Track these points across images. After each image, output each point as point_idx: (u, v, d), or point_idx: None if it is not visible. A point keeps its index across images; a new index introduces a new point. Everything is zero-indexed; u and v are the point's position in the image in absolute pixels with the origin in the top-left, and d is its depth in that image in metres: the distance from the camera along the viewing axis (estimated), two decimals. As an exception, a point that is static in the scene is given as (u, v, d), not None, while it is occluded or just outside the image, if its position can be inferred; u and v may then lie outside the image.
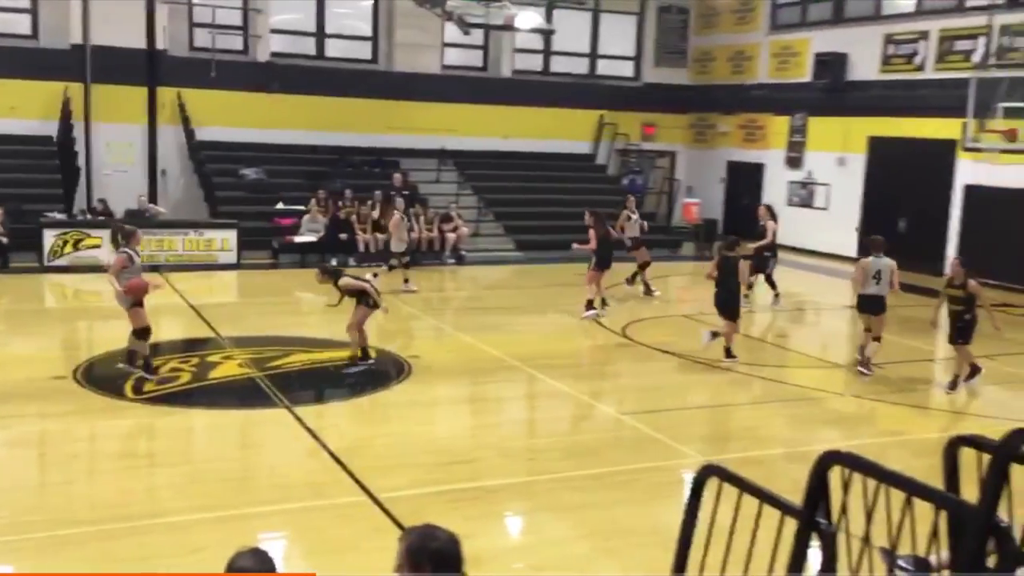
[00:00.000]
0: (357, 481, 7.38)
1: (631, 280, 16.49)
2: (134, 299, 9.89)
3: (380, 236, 18.91)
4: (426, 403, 10.10)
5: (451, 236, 19.42)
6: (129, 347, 10.08)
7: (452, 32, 21.32)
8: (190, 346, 11.95)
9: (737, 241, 12.50)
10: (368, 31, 22.98)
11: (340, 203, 19.32)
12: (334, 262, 18.33)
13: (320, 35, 22.53)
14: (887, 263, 11.27)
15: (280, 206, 19.62)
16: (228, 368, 10.75)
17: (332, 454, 8.00)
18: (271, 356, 11.13)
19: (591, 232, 14.32)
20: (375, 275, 15.09)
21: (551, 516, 7.10)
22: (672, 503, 6.94)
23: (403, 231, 16.11)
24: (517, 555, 6.55)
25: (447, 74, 23.05)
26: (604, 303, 14.42)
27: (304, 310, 15.32)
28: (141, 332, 9.99)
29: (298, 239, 18.52)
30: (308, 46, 22.49)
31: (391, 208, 16.64)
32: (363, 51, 22.88)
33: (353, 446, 8.37)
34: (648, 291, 16.18)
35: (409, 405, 9.77)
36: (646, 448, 8.63)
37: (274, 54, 21.66)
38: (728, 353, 11.55)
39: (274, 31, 21.81)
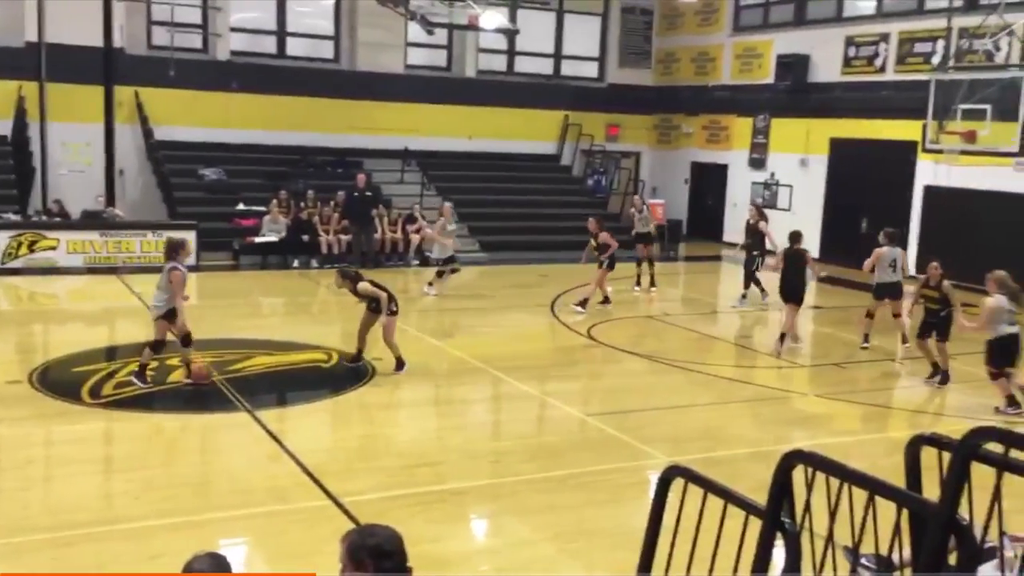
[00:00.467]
0: (320, 485, 7.30)
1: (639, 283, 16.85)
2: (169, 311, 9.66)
3: (343, 237, 18.78)
4: (390, 406, 10.03)
5: (415, 238, 19.32)
6: (184, 358, 9.94)
7: (415, 31, 21.23)
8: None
9: (800, 234, 13.31)
10: (330, 30, 22.82)
11: (302, 204, 19.16)
12: (296, 264, 18.28)
13: (281, 33, 22.33)
14: (899, 252, 12.65)
15: (240, 207, 19.42)
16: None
17: (294, 458, 7.90)
18: (232, 359, 10.98)
19: (605, 236, 14.72)
20: (430, 284, 15.20)
21: (516, 518, 7.06)
22: (637, 504, 6.92)
23: (447, 236, 16.09)
24: (482, 557, 6.51)
25: (410, 74, 22.96)
26: (607, 299, 14.84)
27: (265, 312, 15.17)
28: (157, 344, 9.81)
29: (259, 239, 18.34)
30: (269, 45, 22.30)
31: (440, 212, 16.43)
32: (325, 50, 22.72)
33: (316, 449, 8.27)
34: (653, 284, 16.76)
35: (373, 408, 9.69)
36: (611, 449, 8.62)
37: (234, 52, 21.43)
38: (784, 339, 12.50)
39: (234, 29, 21.59)
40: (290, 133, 21.18)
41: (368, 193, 18.99)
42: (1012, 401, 9.88)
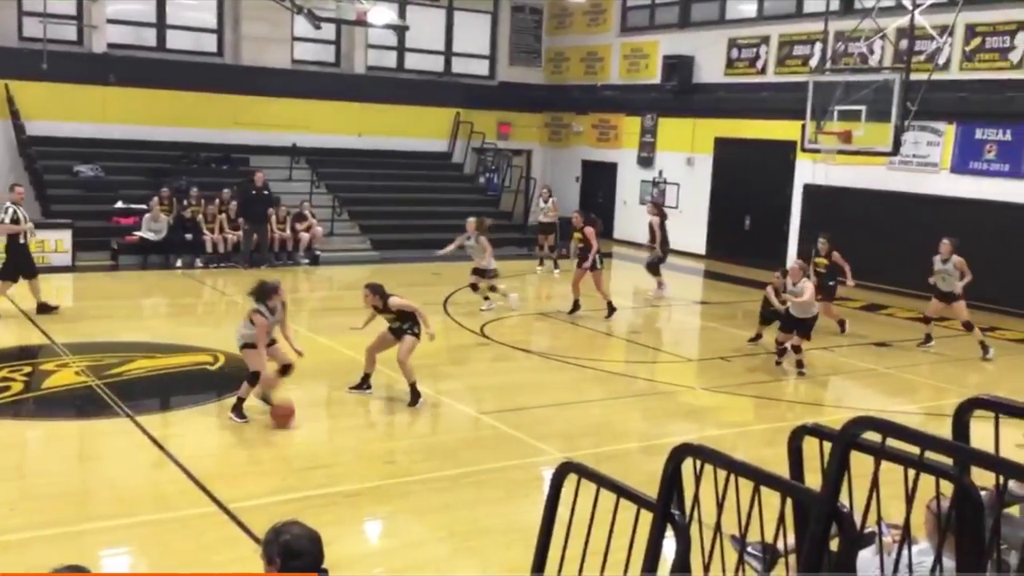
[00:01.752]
0: (206, 491, 7.10)
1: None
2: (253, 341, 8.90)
3: (230, 236, 18.31)
4: (279, 407, 9.79)
5: (305, 236, 18.97)
6: (261, 394, 9.03)
7: (302, 26, 20.85)
8: (22, 354, 11.23)
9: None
10: (213, 23, 22.17)
11: (185, 201, 18.59)
12: (180, 263, 17.72)
13: (161, 26, 21.58)
14: (954, 261, 12.71)
15: (119, 205, 18.71)
16: (64, 376, 10.14)
17: (179, 464, 7.66)
18: (111, 363, 10.56)
19: (588, 231, 14.47)
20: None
21: (411, 518, 7.00)
22: (532, 501, 6.95)
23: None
24: (376, 559, 6.44)
25: (298, 69, 22.51)
26: (577, 306, 14.64)
27: (146, 314, 14.65)
28: (253, 376, 8.95)
29: (139, 234, 17.70)
30: (148, 37, 21.50)
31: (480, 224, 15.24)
32: (208, 43, 22.06)
33: (202, 455, 8.03)
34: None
35: (261, 411, 9.43)
36: (505, 447, 8.64)
37: (111, 45, 20.61)
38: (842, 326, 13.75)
39: (111, 21, 20.73)
40: (172, 129, 20.49)
41: (265, 192, 18.59)
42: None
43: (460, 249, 14.82)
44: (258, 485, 7.30)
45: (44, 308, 13.01)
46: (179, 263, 17.79)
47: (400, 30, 22.28)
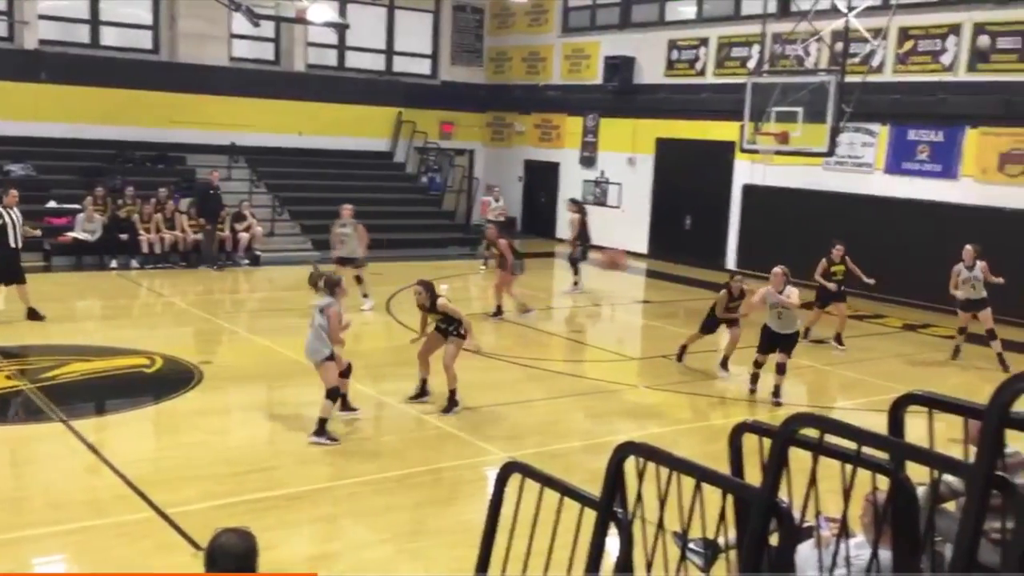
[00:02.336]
0: (143, 496, 6.95)
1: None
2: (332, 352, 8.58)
3: (166, 236, 17.97)
4: (218, 411, 9.66)
5: (244, 236, 18.70)
6: (321, 415, 8.47)
7: (241, 23, 20.55)
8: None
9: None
10: (148, 19, 21.75)
11: (120, 201, 18.20)
12: (115, 264, 17.35)
13: (94, 22, 21.11)
14: (979, 266, 12.56)
15: (52, 204, 18.24)
16: (-6, 381, 9.85)
17: (115, 469, 7.49)
18: (44, 366, 10.29)
19: (502, 243, 14.52)
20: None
21: (353, 521, 6.94)
22: (476, 501, 6.94)
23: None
24: (319, 563, 6.35)
25: (236, 66, 22.19)
26: (499, 311, 14.58)
27: (81, 316, 14.31)
28: (333, 391, 8.55)
29: (72, 234, 17.28)
30: (81, 34, 21.03)
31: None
32: (143, 40, 21.65)
33: (138, 459, 7.86)
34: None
35: (200, 414, 9.30)
36: (449, 447, 8.61)
37: (43, 41, 20.10)
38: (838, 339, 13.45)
39: (43, 17, 20.23)
40: (106, 127, 20.04)
41: (212, 190, 18.37)
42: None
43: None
44: (196, 489, 7.17)
45: (33, 315, 12.61)
46: (114, 264, 17.43)
47: (340, 28, 22.09)
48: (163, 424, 9.19)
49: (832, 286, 13.37)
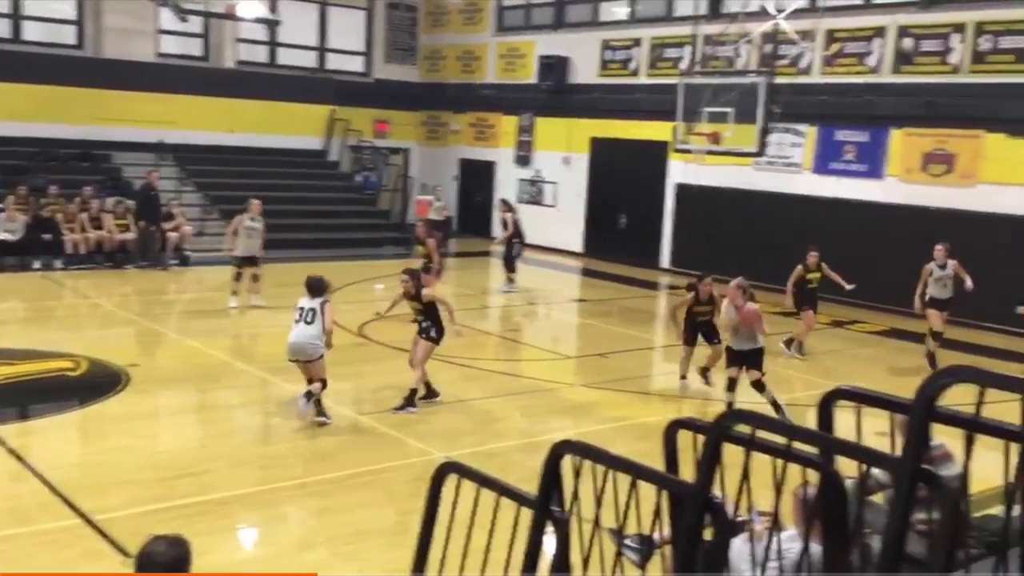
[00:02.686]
0: (69, 503, 6.77)
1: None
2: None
3: (91, 236, 17.52)
4: (147, 415, 9.44)
5: (173, 235, 18.31)
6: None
7: (168, 18, 20.13)
8: None
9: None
10: (72, 14, 21.22)
11: (43, 200, 17.69)
12: (38, 265, 16.85)
13: (16, 16, 20.52)
14: (951, 265, 12.29)
15: (-29, 204, 17.67)
16: (-91, 387, 9.50)
17: (39, 475, 7.28)
18: (-37, 371, 9.95)
19: (431, 243, 14.38)
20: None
21: (287, 524, 6.85)
22: (412, 502, 6.87)
23: None
24: (251, 567, 6.25)
25: (163, 63, 21.74)
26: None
27: (2, 318, 13.86)
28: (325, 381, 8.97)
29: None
30: (2, 29, 20.43)
31: None
32: (67, 35, 21.09)
33: (63, 465, 7.65)
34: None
35: (127, 418, 9.07)
36: (385, 448, 8.55)
37: (-38, 36, 19.48)
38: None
39: (-38, 10, 19.62)
40: (28, 124, 19.45)
41: (152, 192, 18.08)
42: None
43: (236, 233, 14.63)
44: (124, 495, 7.00)
45: None
46: (37, 265, 16.94)
47: (271, 24, 21.79)
48: (89, 429, 8.95)
49: (790, 301, 13.05)
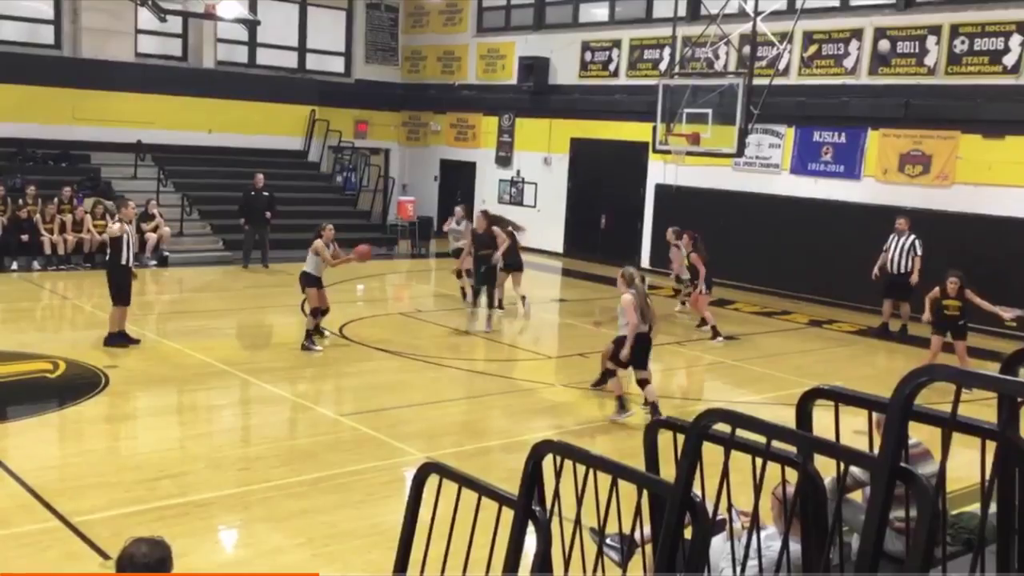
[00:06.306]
0: (47, 506, 6.71)
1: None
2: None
3: (70, 237, 17.39)
4: (126, 416, 9.40)
5: (152, 236, 18.19)
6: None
7: (147, 18, 20.01)
8: None
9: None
10: (50, 13, 21.02)
11: (20, 201, 17.54)
12: (15, 266, 16.71)
13: (-7, 16, 20.33)
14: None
15: (-53, 205, 17.50)
16: None
17: (17, 478, 7.22)
18: (-61, 373, 9.86)
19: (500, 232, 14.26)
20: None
21: (267, 526, 6.82)
22: (393, 502, 6.89)
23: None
24: (231, 569, 6.23)
25: (142, 62, 21.59)
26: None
27: (-20, 320, 13.74)
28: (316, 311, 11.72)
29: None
30: (-22, 28, 20.25)
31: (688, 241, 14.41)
32: (44, 35, 20.91)
33: (41, 467, 7.59)
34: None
35: (106, 420, 9.02)
36: (366, 448, 8.53)
37: (-63, 34, 19.28)
38: None
39: (-64, 9, 19.41)
40: (6, 124, 19.28)
41: (265, 192, 18.21)
42: (622, 404, 9.55)
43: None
44: (103, 497, 6.96)
45: None
46: (15, 266, 16.80)
47: (251, 24, 21.69)
48: (68, 431, 8.89)
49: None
